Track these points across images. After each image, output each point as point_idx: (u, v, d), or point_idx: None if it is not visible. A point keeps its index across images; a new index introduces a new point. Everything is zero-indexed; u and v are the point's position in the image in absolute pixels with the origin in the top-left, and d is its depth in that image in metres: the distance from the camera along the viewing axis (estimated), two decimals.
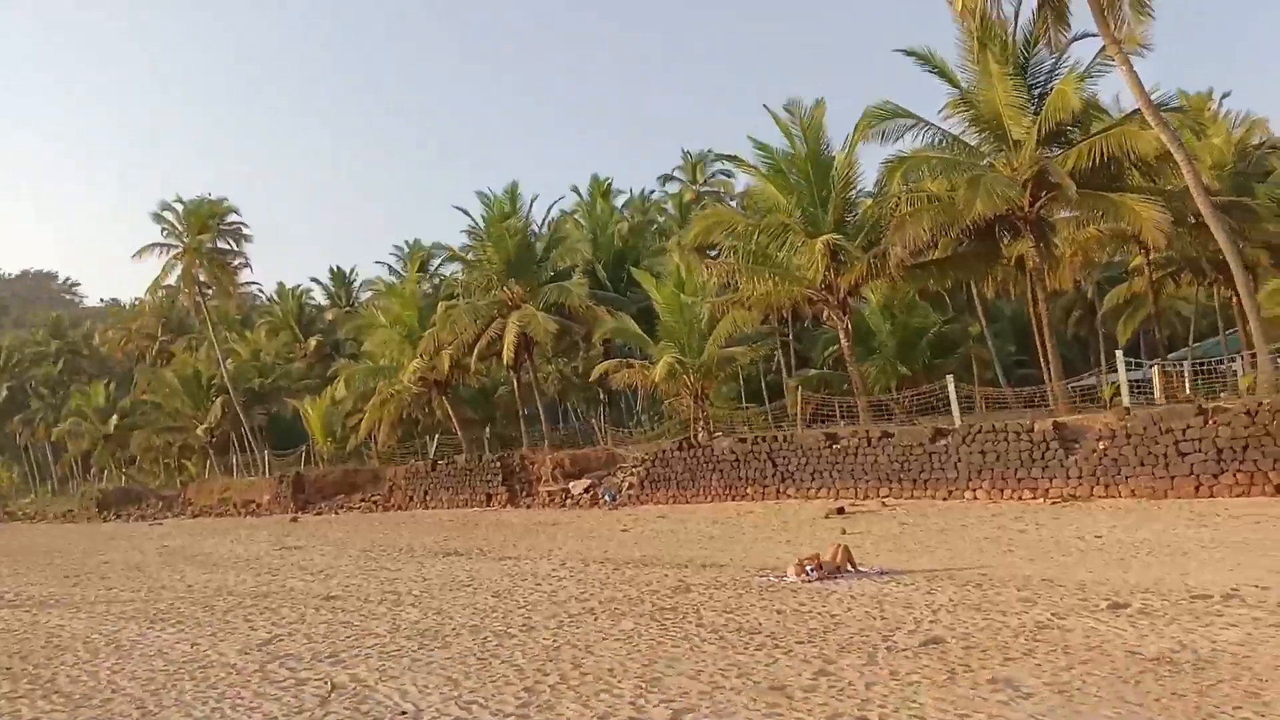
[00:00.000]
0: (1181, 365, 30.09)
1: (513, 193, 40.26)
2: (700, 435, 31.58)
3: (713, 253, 44.74)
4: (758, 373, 47.67)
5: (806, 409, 30.96)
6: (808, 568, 14.28)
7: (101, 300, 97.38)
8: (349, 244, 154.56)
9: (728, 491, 28.56)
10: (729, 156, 32.68)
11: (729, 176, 62.18)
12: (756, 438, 28.81)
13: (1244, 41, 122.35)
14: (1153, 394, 26.53)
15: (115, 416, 66.63)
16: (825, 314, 31.43)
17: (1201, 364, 30.86)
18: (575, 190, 52.98)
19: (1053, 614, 10.45)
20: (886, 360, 34.59)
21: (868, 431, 26.43)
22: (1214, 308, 41.53)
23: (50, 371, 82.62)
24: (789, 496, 27.14)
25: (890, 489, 25.22)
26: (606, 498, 31.24)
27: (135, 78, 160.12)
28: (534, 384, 40.73)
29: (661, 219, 56.23)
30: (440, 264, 57.52)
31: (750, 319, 31.88)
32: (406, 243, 62.29)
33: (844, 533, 20.23)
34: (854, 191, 30.70)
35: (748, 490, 28.08)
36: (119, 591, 18.75)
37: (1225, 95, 43.78)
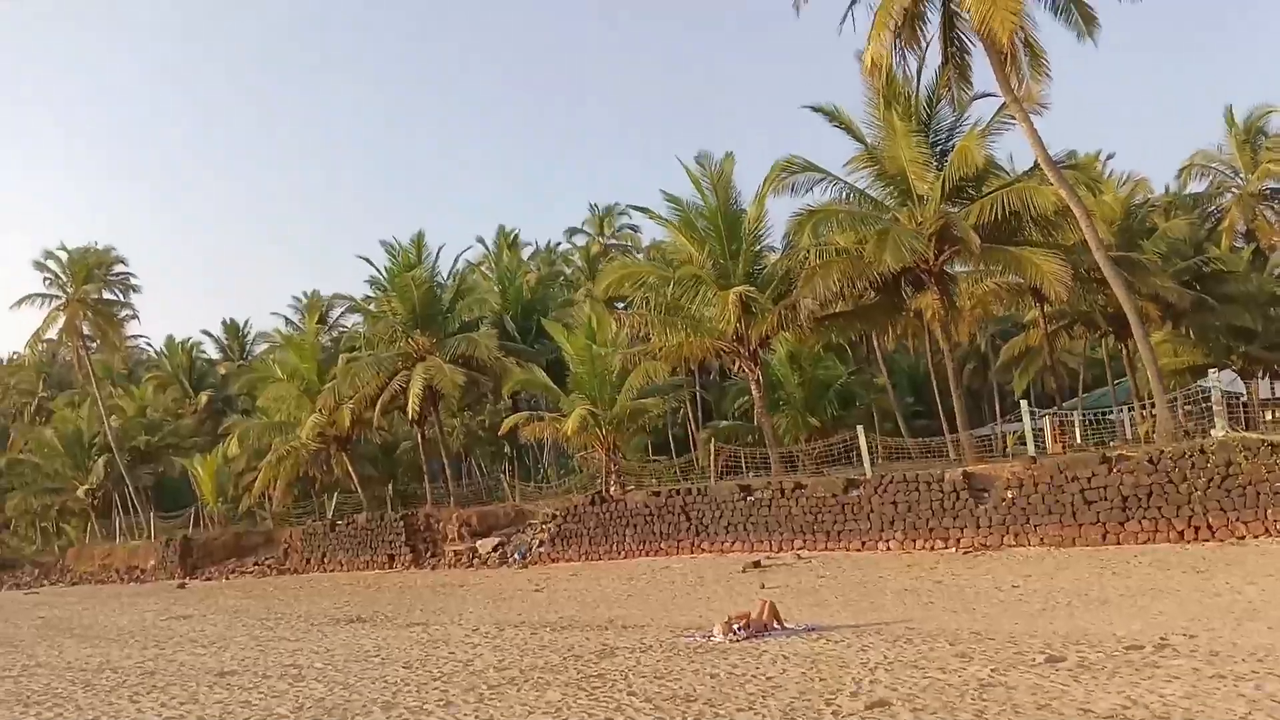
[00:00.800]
0: (1072, 415, 30.84)
1: (418, 242, 39.47)
2: (612, 489, 31.00)
3: (620, 305, 44.67)
4: (665, 425, 47.41)
5: (718, 461, 30.71)
6: (735, 626, 13.86)
7: None
8: (243, 295, 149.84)
9: (642, 547, 28.06)
10: (640, 208, 32.67)
11: (635, 230, 62.54)
12: (670, 491, 28.41)
13: (1122, 104, 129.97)
14: (1044, 444, 27.03)
15: None
16: (737, 366, 31.40)
17: (1092, 414, 31.76)
18: (481, 241, 52.45)
19: (992, 670, 10.19)
20: (796, 412, 34.75)
21: (781, 483, 26.29)
22: (1101, 359, 43.02)
23: None
24: (704, 550, 26.81)
25: (805, 541, 25.08)
26: (516, 556, 30.33)
27: (7, 114, 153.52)
28: (440, 438, 39.59)
29: (569, 270, 55.92)
30: (341, 315, 56.20)
31: (661, 370, 31.63)
32: (305, 293, 60.65)
33: (763, 587, 19.95)
34: (763, 244, 31.00)
35: (662, 545, 27.62)
36: None
37: (1110, 156, 45.86)
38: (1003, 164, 30.48)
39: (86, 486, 52.06)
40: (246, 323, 70.88)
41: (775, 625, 14.25)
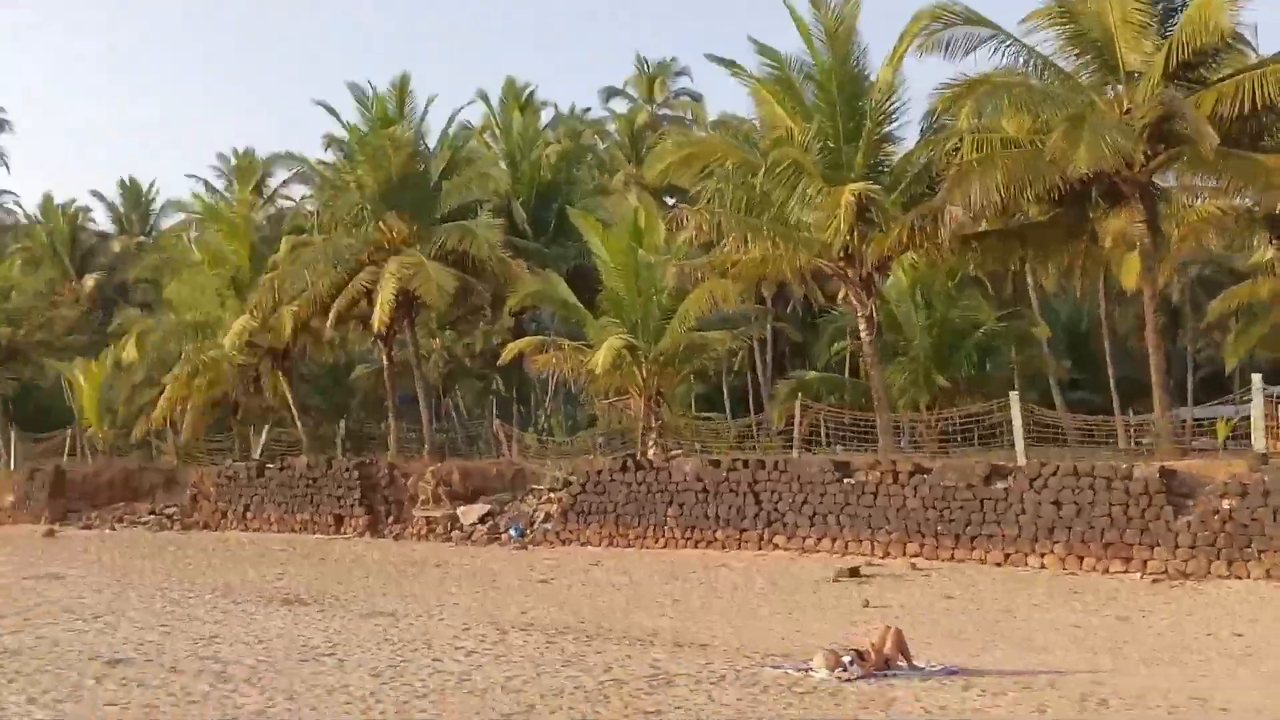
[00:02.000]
0: None
1: (401, 90, 38.57)
2: (650, 451, 30.69)
3: (671, 200, 43.90)
4: (719, 372, 47.02)
5: (803, 425, 30.25)
6: (846, 659, 13.41)
7: None
8: (151, 147, 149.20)
9: (688, 534, 27.82)
10: (722, 60, 31.43)
11: (697, 99, 61.80)
12: (735, 461, 28.10)
13: None
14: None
15: None
16: (841, 294, 30.78)
17: None
18: (484, 98, 51.27)
19: None
20: (917, 366, 34.05)
21: (894, 464, 25.86)
22: None
23: None
24: (776, 546, 26.64)
25: (923, 545, 24.74)
26: (513, 532, 30.29)
27: None
28: (415, 363, 39.28)
29: (603, 146, 55.29)
30: (285, 184, 55.81)
31: (731, 293, 31.01)
32: (235, 151, 60.16)
33: (867, 604, 19.85)
34: (893, 126, 30.01)
35: (718, 534, 27.36)
36: None
37: None
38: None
39: None
40: (153, 185, 70.92)
41: (901, 662, 13.85)
